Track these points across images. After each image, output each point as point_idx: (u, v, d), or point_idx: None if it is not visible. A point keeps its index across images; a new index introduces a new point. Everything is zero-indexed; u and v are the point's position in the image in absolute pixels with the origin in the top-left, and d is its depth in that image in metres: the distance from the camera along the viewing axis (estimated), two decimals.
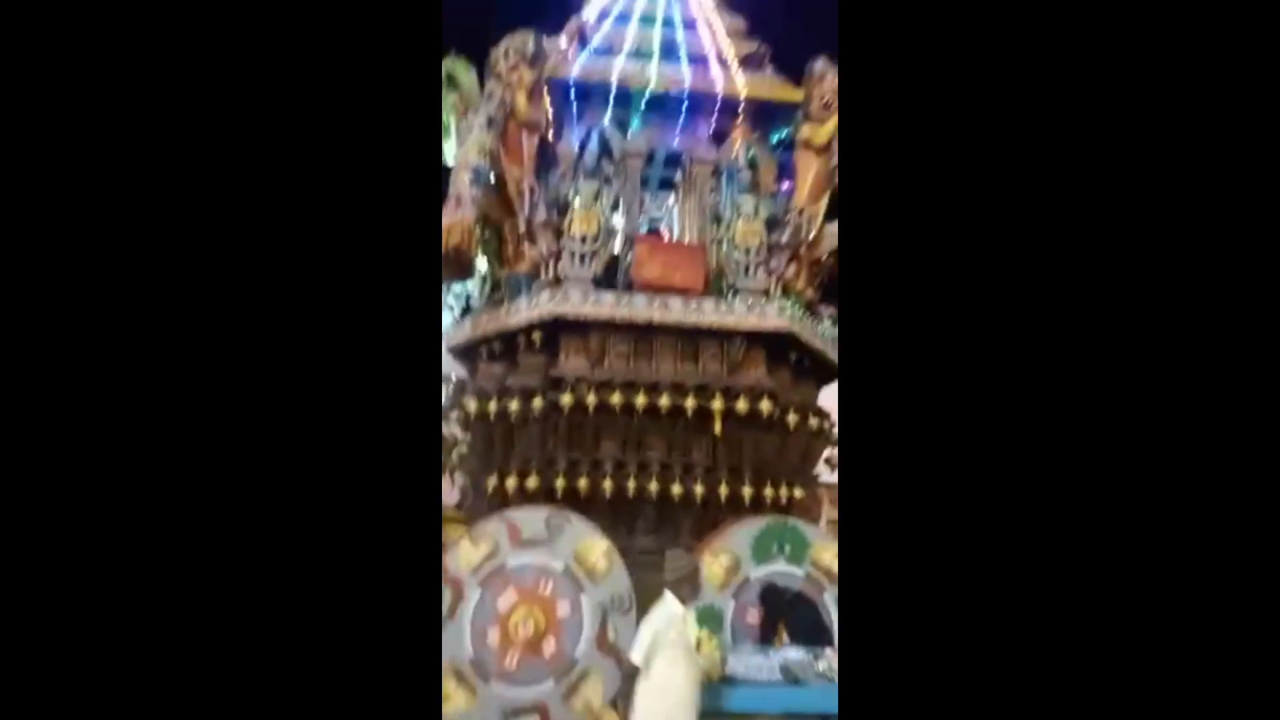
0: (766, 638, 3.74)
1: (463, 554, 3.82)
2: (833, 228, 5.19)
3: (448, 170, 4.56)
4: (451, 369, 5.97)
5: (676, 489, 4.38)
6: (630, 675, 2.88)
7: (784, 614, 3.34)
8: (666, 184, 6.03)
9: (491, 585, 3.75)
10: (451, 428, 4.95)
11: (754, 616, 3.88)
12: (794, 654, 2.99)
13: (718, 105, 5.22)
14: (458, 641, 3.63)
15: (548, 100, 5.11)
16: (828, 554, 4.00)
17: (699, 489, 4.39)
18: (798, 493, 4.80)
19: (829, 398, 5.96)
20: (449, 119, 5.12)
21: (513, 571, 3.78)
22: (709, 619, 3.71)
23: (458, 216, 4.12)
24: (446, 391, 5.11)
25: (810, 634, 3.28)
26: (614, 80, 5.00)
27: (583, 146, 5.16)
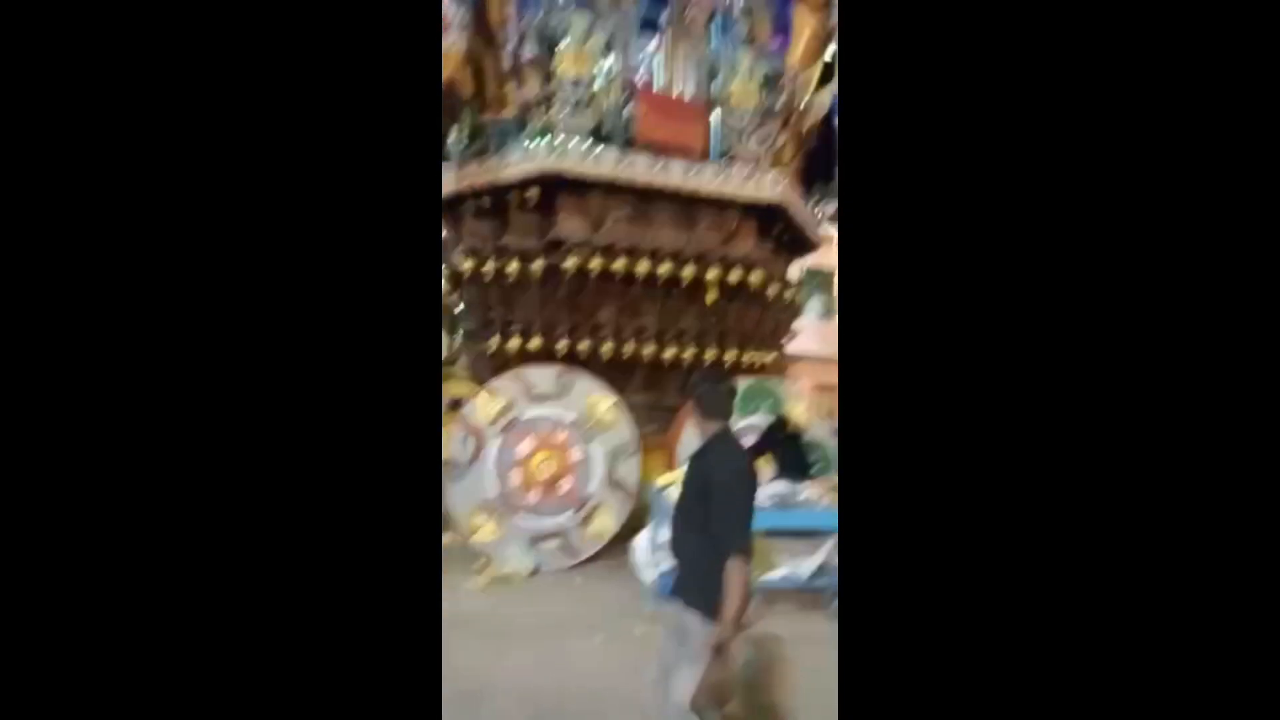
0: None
1: (481, 406, 4.01)
2: (823, 96, 5.17)
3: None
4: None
5: (669, 353, 4.74)
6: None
7: (778, 448, 3.96)
8: (649, 24, 5.50)
9: (511, 434, 4.03)
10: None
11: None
12: (780, 487, 3.65)
13: None
14: (482, 483, 3.97)
15: None
16: (798, 409, 4.66)
17: (688, 354, 4.77)
18: (769, 358, 5.36)
19: (795, 270, 6.39)
20: None
21: (529, 422, 4.07)
22: None
23: (445, 46, 3.58)
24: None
25: (793, 467, 3.95)
26: None
27: None
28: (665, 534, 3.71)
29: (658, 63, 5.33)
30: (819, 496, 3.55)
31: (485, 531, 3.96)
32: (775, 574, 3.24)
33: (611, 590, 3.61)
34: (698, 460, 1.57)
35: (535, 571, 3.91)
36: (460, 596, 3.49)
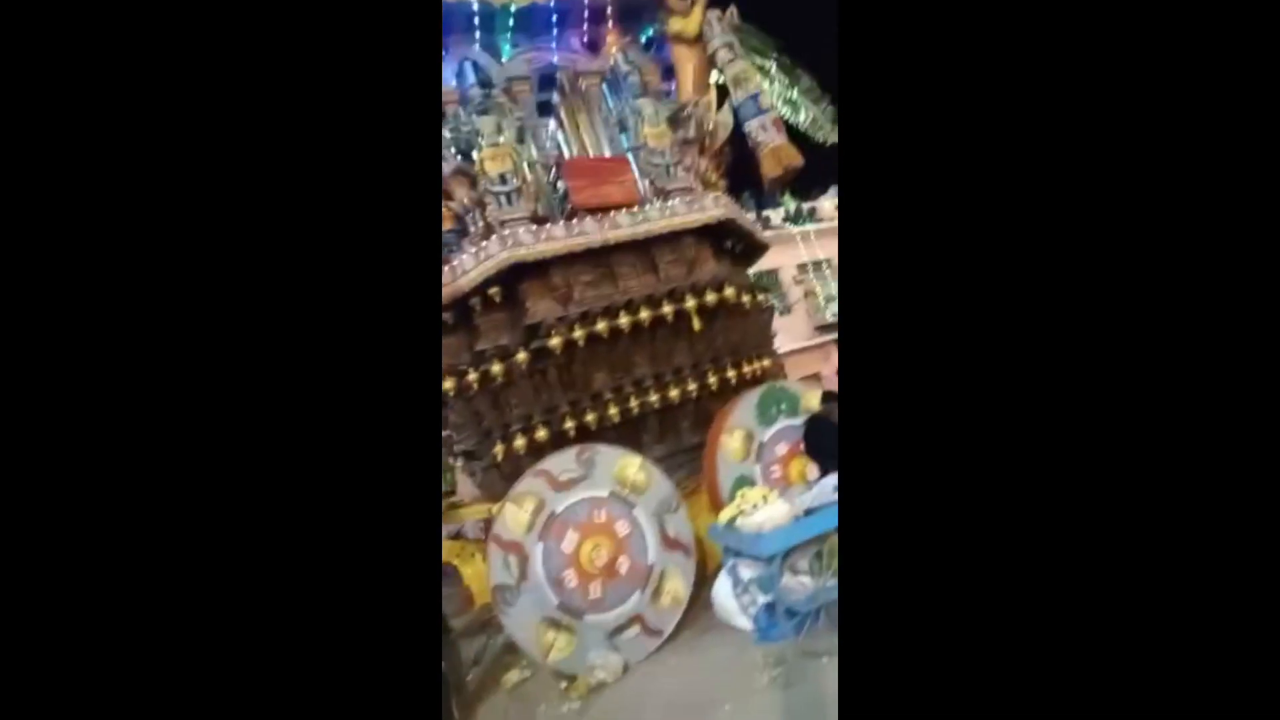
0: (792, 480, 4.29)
1: (511, 519, 3.78)
2: (724, 115, 5.43)
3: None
4: None
5: (674, 393, 4.65)
6: None
7: (823, 443, 3.83)
8: (544, 108, 5.76)
9: (550, 534, 3.79)
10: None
11: (778, 473, 4.40)
12: (807, 496, 3.51)
13: (585, 12, 5.01)
14: (540, 596, 3.68)
15: None
16: (813, 399, 4.59)
17: (692, 387, 4.69)
18: (766, 362, 5.33)
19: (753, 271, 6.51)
20: None
21: (566, 514, 3.85)
22: (742, 484, 4.16)
23: None
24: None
25: (831, 456, 3.81)
26: (475, 1, 4.54)
27: (459, 80, 4.73)
28: (746, 572, 3.49)
29: (566, 138, 5.55)
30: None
31: (560, 647, 3.64)
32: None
33: (715, 652, 3.33)
34: None
35: (626, 668, 3.58)
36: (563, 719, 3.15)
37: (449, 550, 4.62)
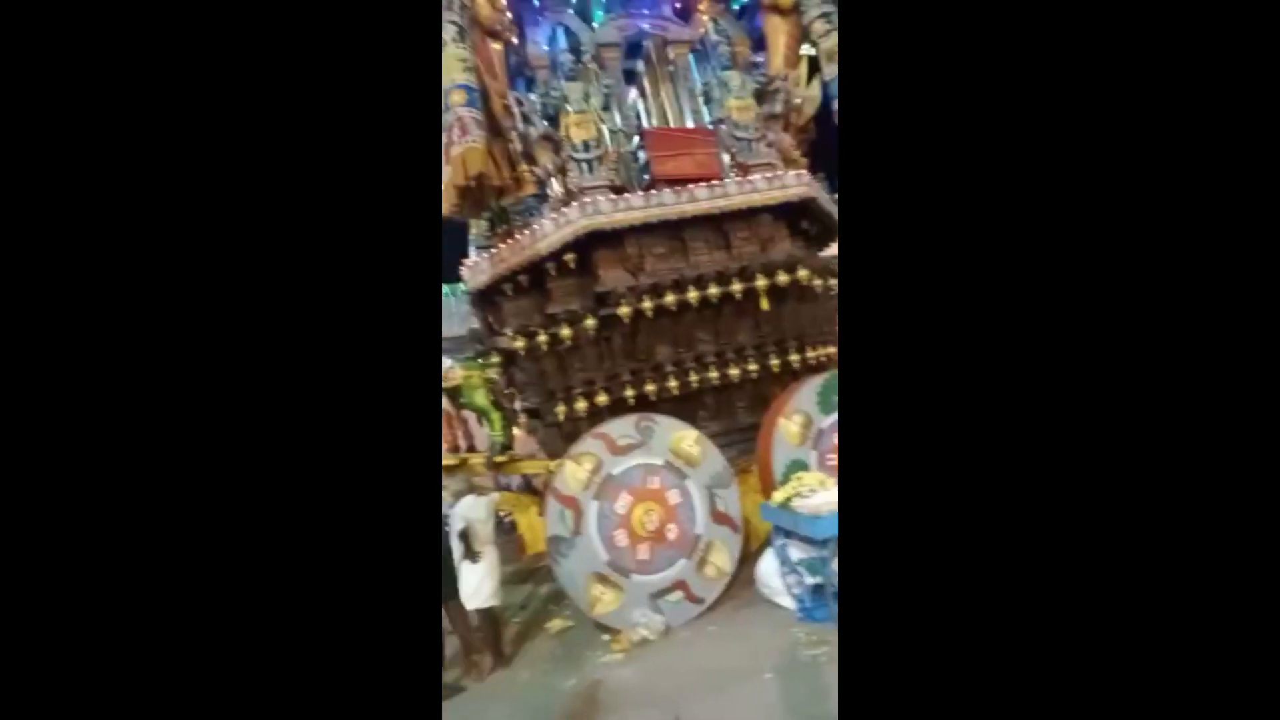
0: None
1: (570, 475, 3.95)
2: (813, 89, 5.24)
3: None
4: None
5: (734, 372, 4.66)
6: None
7: None
8: (628, 76, 5.74)
9: (605, 494, 3.95)
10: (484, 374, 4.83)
11: (833, 460, 4.36)
12: None
13: None
14: (591, 551, 3.86)
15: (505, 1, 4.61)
16: None
17: (753, 367, 4.68)
18: (831, 349, 5.22)
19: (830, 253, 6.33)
20: None
21: (621, 477, 3.98)
22: (797, 468, 4.15)
23: (469, 143, 3.76)
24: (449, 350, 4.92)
25: None
26: None
27: (550, 45, 4.78)
28: (796, 553, 3.52)
29: (648, 107, 5.53)
30: None
31: (606, 601, 3.82)
32: None
33: (756, 627, 3.41)
34: None
35: (668, 629, 3.72)
36: (605, 672, 3.33)
37: (507, 500, 4.88)
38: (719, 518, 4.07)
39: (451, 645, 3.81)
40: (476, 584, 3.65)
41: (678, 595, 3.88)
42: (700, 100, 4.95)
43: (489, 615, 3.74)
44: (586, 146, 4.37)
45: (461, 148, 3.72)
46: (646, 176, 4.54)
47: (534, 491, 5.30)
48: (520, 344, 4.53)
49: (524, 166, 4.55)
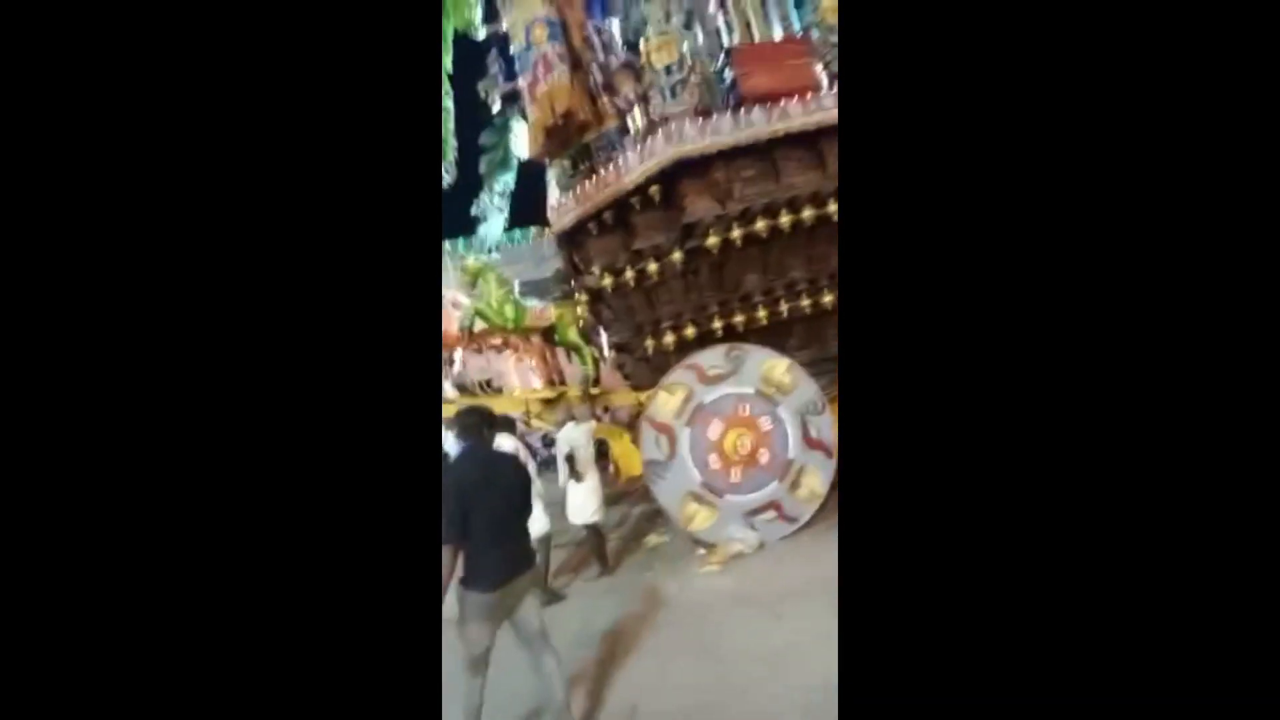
0: None
1: (662, 404, 4.13)
2: None
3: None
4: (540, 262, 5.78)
5: (827, 299, 4.53)
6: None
7: None
8: None
9: (697, 421, 4.10)
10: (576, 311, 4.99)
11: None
12: None
13: None
14: (685, 473, 4.07)
15: None
16: None
17: None
18: None
19: None
20: None
21: (712, 405, 4.10)
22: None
23: (554, 80, 3.75)
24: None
25: None
26: None
27: None
28: None
29: (728, 20, 5.17)
30: None
31: (700, 519, 4.05)
32: None
33: None
34: None
35: (762, 545, 3.91)
36: (701, 582, 3.60)
37: (602, 429, 5.18)
38: (812, 443, 4.11)
39: (557, 558, 4.22)
40: (582, 502, 3.99)
41: (771, 514, 4.04)
42: (790, 5, 4.56)
43: (594, 530, 4.10)
44: (669, 70, 4.22)
45: (547, 85, 3.72)
46: (733, 95, 4.32)
47: (622, 424, 5.58)
48: (607, 281, 4.63)
49: (605, 98, 4.48)
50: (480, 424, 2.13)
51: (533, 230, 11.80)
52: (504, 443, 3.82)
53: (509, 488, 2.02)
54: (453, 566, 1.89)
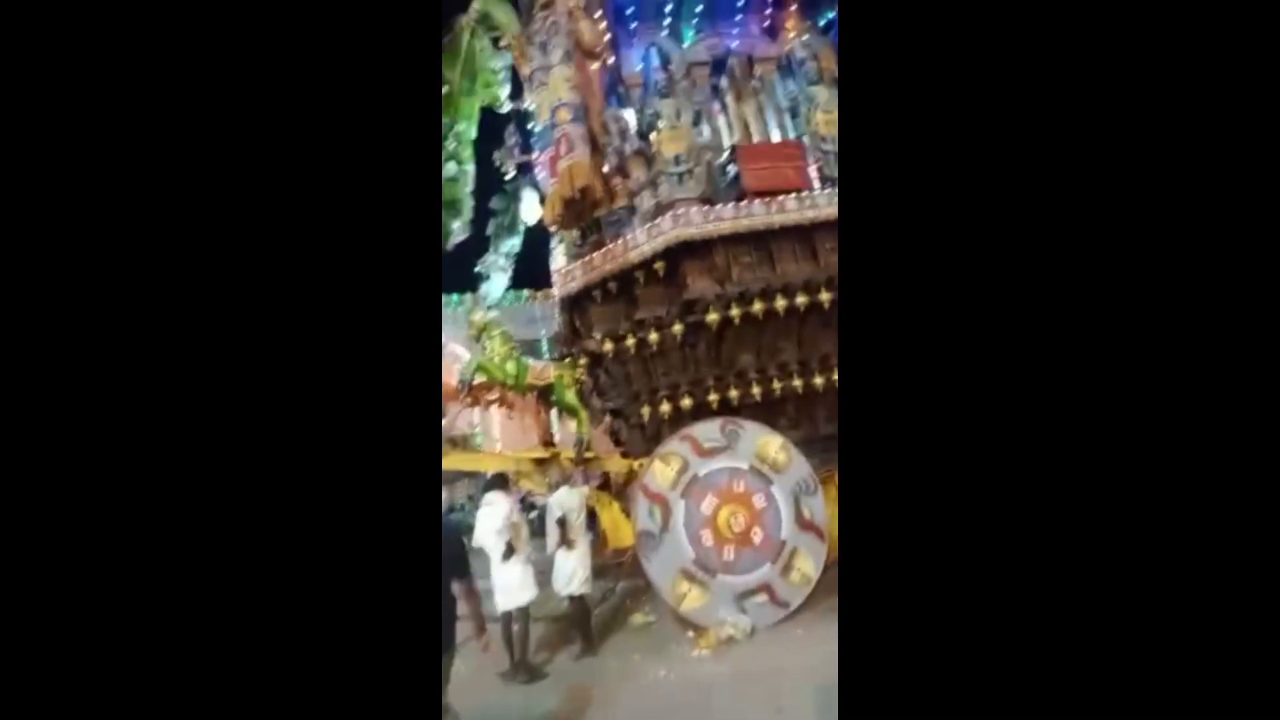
0: None
1: (658, 474, 4.10)
2: None
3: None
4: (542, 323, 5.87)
5: (819, 381, 4.69)
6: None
7: None
8: (713, 92, 5.93)
9: (691, 495, 4.07)
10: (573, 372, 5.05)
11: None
12: None
13: None
14: (678, 548, 3.98)
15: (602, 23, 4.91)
16: None
17: (836, 376, 4.70)
18: None
19: None
20: (489, 62, 4.93)
21: (707, 479, 4.10)
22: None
23: (575, 158, 4.04)
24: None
25: None
26: None
27: (644, 65, 5.04)
28: None
29: (729, 122, 5.69)
30: None
31: (692, 598, 3.92)
32: None
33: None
34: None
35: (753, 630, 3.78)
36: (693, 665, 3.43)
37: (592, 496, 5.08)
38: (804, 524, 4.10)
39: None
40: (571, 571, 3.84)
41: (763, 598, 3.93)
42: (787, 115, 5.06)
43: (580, 603, 3.92)
44: (678, 160, 4.57)
45: (568, 161, 4.00)
46: (735, 189, 4.68)
47: (608, 490, 5.49)
48: (609, 347, 4.74)
49: (617, 179, 4.79)
50: None
51: (525, 293, 12.03)
52: (498, 500, 3.73)
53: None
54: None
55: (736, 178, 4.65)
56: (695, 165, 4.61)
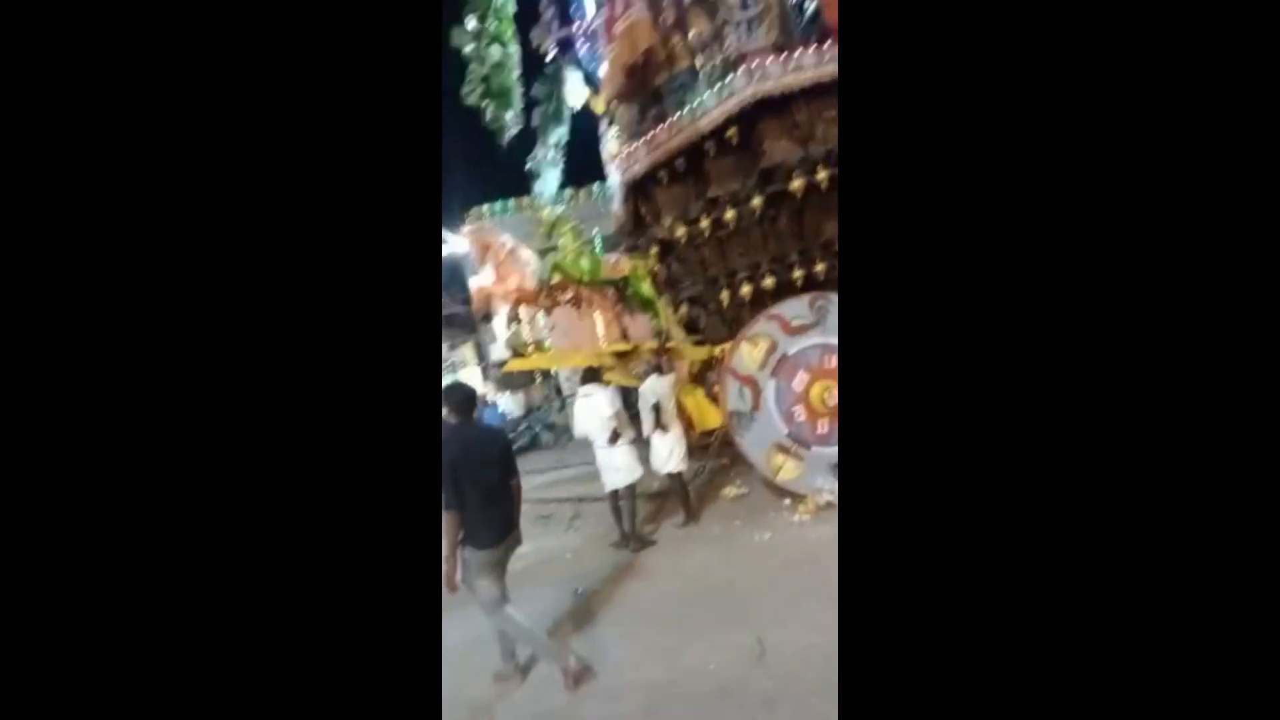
0: None
1: (746, 356, 4.09)
2: None
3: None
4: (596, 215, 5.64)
5: None
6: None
7: None
8: None
9: (781, 373, 4.05)
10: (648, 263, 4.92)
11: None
12: None
13: None
14: (770, 425, 4.06)
15: None
16: None
17: None
18: None
19: None
20: None
21: (797, 356, 4.04)
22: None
23: (635, 15, 3.59)
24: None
25: None
26: None
27: None
28: None
29: None
30: None
31: (788, 470, 4.05)
32: None
33: None
34: None
35: None
36: (795, 529, 3.63)
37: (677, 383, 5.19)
38: None
39: (643, 508, 4.30)
40: (668, 452, 4.04)
41: None
42: None
43: (679, 479, 4.16)
44: (745, 4, 3.99)
45: (627, 21, 3.56)
46: (815, 28, 4.07)
47: (692, 377, 5.57)
48: (681, 232, 4.55)
49: (676, 37, 4.28)
50: (470, 401, 2.36)
51: (567, 191, 11.63)
52: (595, 391, 3.89)
53: (495, 459, 2.29)
54: (455, 530, 2.17)
55: (816, 14, 4.01)
56: (766, 7, 4.01)
